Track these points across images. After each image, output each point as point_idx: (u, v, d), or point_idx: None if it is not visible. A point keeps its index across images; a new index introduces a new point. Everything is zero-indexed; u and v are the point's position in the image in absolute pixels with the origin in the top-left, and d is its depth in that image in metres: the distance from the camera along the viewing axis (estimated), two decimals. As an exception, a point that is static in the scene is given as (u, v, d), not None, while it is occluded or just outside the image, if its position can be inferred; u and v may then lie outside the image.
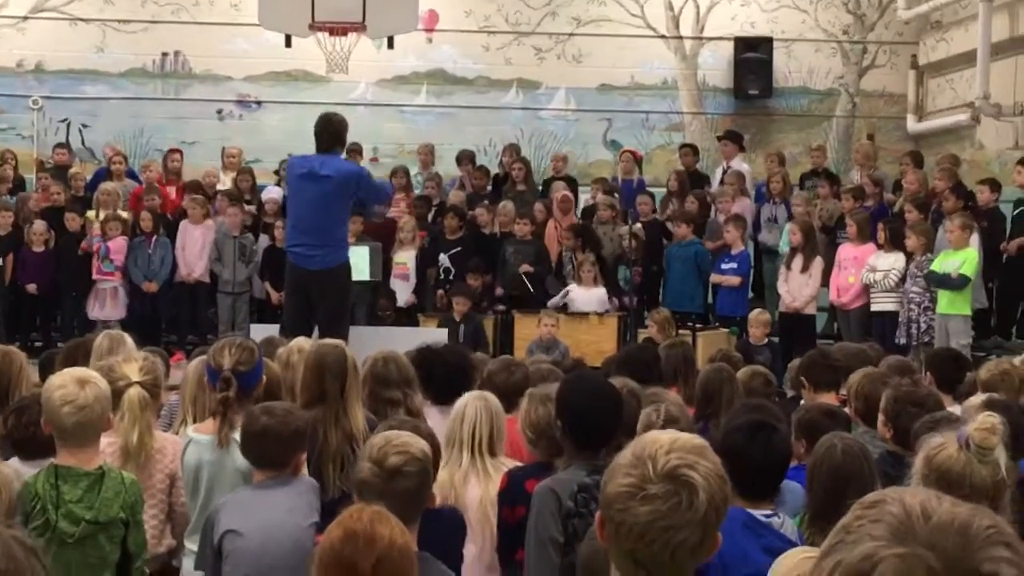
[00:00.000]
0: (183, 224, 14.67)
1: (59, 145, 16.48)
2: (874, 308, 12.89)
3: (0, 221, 14.19)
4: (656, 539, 2.35)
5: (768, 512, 4.32)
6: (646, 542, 2.36)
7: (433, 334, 11.18)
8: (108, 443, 4.92)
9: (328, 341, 5.96)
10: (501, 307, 13.99)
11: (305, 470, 5.07)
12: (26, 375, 6.03)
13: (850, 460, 4.47)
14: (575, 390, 4.81)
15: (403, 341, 8.09)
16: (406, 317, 14.06)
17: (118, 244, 14.19)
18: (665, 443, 2.41)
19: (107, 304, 14.21)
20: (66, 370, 4.77)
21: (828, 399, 6.72)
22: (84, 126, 17.37)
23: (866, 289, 12.93)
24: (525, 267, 14.04)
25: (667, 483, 2.35)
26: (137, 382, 5.17)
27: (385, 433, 4.19)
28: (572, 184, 16.00)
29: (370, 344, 7.92)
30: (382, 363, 6.08)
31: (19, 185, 15.74)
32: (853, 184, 14.96)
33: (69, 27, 17.33)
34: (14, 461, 4.89)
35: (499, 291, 14.23)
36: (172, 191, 15.47)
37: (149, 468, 5.16)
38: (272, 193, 15.17)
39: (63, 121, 17.31)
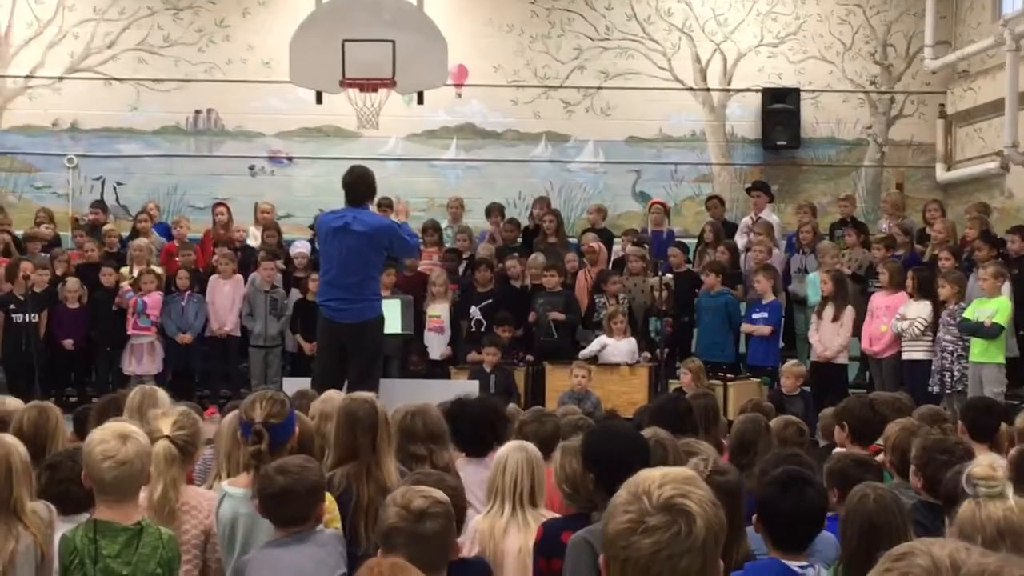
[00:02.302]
0: (213, 279, 14.75)
1: (95, 204, 16.59)
2: (905, 357, 12.82)
3: (37, 279, 14.18)
4: (662, 570, 2.38)
5: (803, 564, 4.32)
6: (652, 574, 2.39)
7: (464, 386, 11.12)
8: (142, 498, 4.90)
9: (358, 395, 5.92)
10: (530, 358, 13.95)
11: (338, 523, 5.10)
12: (62, 431, 6.06)
13: (882, 510, 4.47)
14: (601, 440, 4.84)
15: (434, 393, 8.05)
16: (439, 369, 14.05)
17: (154, 299, 14.28)
18: (657, 477, 2.46)
19: (144, 359, 14.26)
20: (108, 424, 4.76)
21: (862, 448, 6.72)
22: (118, 183, 17.49)
23: (898, 338, 12.86)
24: (555, 314, 14.03)
25: (664, 514, 2.39)
26: (166, 436, 5.16)
27: (407, 485, 4.27)
28: (607, 236, 15.98)
29: (401, 397, 7.86)
30: (410, 417, 6.06)
31: (54, 242, 15.82)
32: (882, 233, 14.90)
33: (104, 87, 17.53)
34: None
35: (528, 356, 14.12)
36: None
37: (179, 523, 5.10)
38: (300, 247, 15.24)
39: (98, 179, 17.45)
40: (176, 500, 5.09)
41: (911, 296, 12.89)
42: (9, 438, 4.77)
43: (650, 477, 2.47)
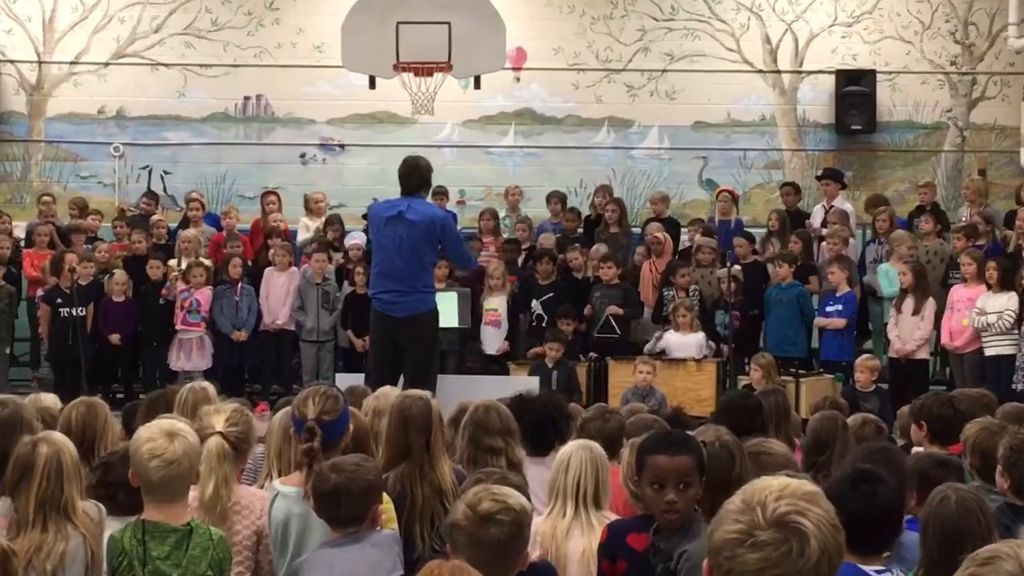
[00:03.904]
0: (267, 271, 14.64)
1: (146, 195, 16.53)
2: (989, 352, 12.59)
3: (82, 271, 14.12)
4: None
5: (880, 568, 4.22)
6: None
7: (524, 382, 11.01)
8: (193, 496, 4.91)
9: (412, 393, 5.89)
10: (593, 354, 13.69)
11: (394, 524, 5.04)
12: (111, 427, 6.06)
13: (965, 513, 4.39)
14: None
15: (493, 390, 8.11)
16: (495, 365, 13.87)
17: (206, 295, 14.21)
18: (775, 489, 2.39)
19: (193, 354, 14.19)
20: (156, 422, 4.79)
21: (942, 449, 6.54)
22: (166, 172, 17.41)
23: (980, 333, 12.65)
24: (613, 308, 13.81)
25: (777, 530, 2.33)
26: (219, 432, 5.15)
27: (486, 484, 4.22)
28: (673, 226, 15.69)
29: (459, 393, 7.94)
30: (483, 411, 6.04)
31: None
32: (962, 222, 14.62)
33: (150, 72, 17.42)
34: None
35: (592, 353, 13.85)
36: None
37: (231, 523, 5.08)
38: (356, 239, 15.07)
39: (144, 168, 17.36)
40: (228, 499, 5.10)
41: (990, 288, 12.64)
42: (59, 437, 4.78)
43: (768, 487, 2.40)
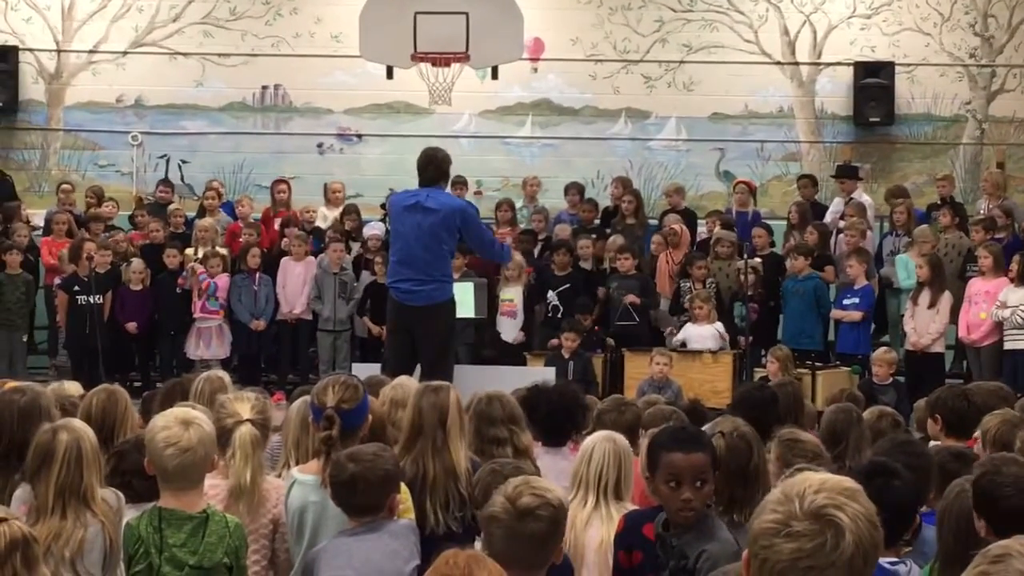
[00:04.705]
0: (284, 261, 14.59)
1: (162, 182, 16.50)
2: (1008, 346, 12.47)
3: (99, 259, 14.12)
4: None
5: (893, 560, 4.21)
6: None
7: (541, 373, 10.96)
8: (211, 484, 4.93)
9: (433, 383, 5.84)
10: (611, 342, 13.67)
11: (411, 514, 5.04)
12: (131, 415, 6.05)
13: None
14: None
15: (509, 380, 8.05)
16: (511, 355, 13.77)
17: (224, 282, 14.19)
18: (815, 482, 2.40)
19: (212, 343, 14.18)
20: (171, 410, 4.81)
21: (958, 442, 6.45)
22: (183, 162, 17.36)
23: (999, 326, 12.54)
24: (631, 297, 13.75)
25: (812, 522, 2.34)
26: (248, 420, 5.18)
27: (526, 476, 4.20)
28: (690, 217, 15.59)
29: (475, 383, 7.89)
30: (486, 401, 6.06)
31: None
32: (980, 215, 14.49)
33: (168, 62, 17.37)
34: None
35: (609, 342, 13.80)
36: (278, 223, 15.46)
37: (256, 511, 5.12)
38: (375, 229, 15.02)
39: (162, 157, 17.31)
40: (263, 486, 5.16)
41: (1012, 282, 12.53)
42: (79, 424, 4.78)
43: (808, 480, 2.42)
